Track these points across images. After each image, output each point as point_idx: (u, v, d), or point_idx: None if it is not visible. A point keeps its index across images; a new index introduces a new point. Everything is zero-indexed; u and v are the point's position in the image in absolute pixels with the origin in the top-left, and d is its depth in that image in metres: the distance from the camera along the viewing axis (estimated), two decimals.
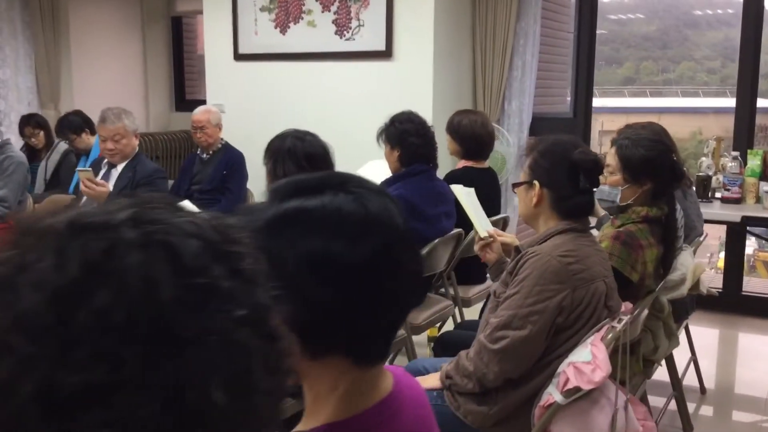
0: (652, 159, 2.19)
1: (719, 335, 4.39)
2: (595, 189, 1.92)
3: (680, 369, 3.24)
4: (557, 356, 1.81)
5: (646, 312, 2.32)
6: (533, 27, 4.77)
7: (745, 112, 4.38)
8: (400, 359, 3.51)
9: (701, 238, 3.03)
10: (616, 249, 2.12)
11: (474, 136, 3.44)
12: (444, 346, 2.44)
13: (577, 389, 1.71)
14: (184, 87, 6.99)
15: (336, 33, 4.72)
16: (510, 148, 4.82)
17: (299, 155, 2.22)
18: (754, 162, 4.08)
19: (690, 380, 3.39)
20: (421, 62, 4.51)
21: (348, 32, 4.68)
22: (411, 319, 3.06)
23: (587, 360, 1.74)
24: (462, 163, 3.53)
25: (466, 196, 2.40)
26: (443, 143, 3.53)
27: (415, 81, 4.54)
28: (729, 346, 4.29)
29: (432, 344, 3.02)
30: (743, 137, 4.36)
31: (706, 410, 3.37)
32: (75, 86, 6.02)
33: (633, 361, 2.33)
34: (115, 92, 6.32)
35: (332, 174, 0.89)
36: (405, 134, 2.97)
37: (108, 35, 6.37)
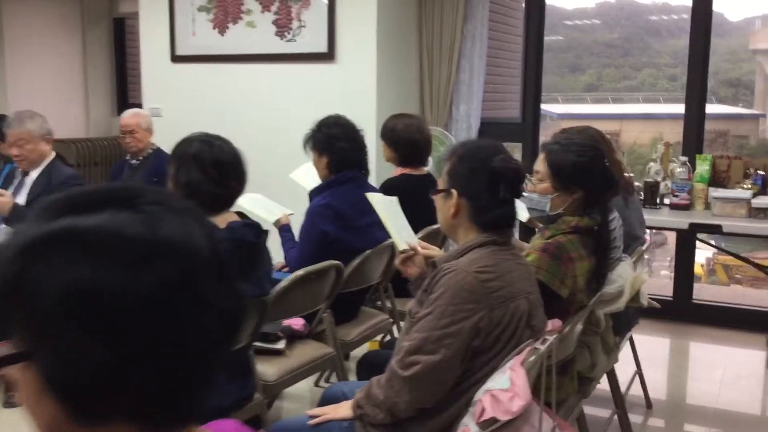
0: (583, 165, 2.05)
1: (670, 345, 4.29)
2: (517, 199, 1.76)
3: (626, 382, 3.12)
4: (474, 383, 1.65)
5: (580, 327, 2.17)
6: (481, 29, 4.64)
7: (694, 117, 4.29)
8: (332, 379, 3.33)
9: (643, 247, 2.90)
10: (544, 262, 1.96)
11: (410, 142, 3.28)
12: (369, 368, 2.26)
13: (494, 420, 1.55)
14: (127, 90, 6.74)
15: (276, 34, 4.54)
16: None
17: (206, 161, 2.03)
18: (703, 167, 3.99)
19: (636, 394, 3.27)
20: (364, 65, 4.34)
21: (289, 33, 4.50)
22: (342, 335, 2.87)
23: (505, 387, 1.58)
24: (399, 171, 3.36)
25: (383, 205, 2.23)
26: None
27: (359, 84, 4.37)
28: (679, 356, 4.19)
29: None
30: (692, 142, 4.27)
31: (654, 424, 3.25)
32: (9, 89, 5.74)
33: (566, 381, 2.18)
34: (53, 96, 6.05)
35: (123, 186, 0.70)
36: (332, 139, 2.80)
37: (45, 36, 6.09)
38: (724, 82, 31.02)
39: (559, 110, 29.28)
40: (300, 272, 2.47)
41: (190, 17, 4.77)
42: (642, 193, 4.05)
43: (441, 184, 1.83)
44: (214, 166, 2.03)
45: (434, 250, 2.07)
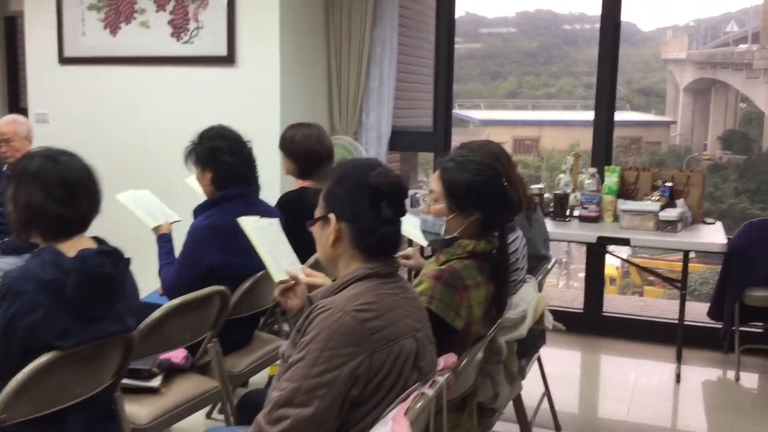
0: (480, 185, 1.89)
1: (581, 359, 4.22)
2: (401, 216, 1.58)
3: (533, 405, 3.00)
4: None
5: (479, 358, 2.01)
6: (390, 35, 4.47)
7: (603, 127, 4.25)
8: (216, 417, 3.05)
9: (549, 265, 2.79)
10: (437, 291, 1.79)
11: (309, 153, 3.07)
12: (249, 409, 2.03)
13: None
14: (19, 93, 6.26)
15: (172, 35, 4.25)
16: None
17: (49, 179, 1.77)
18: (612, 179, 3.94)
19: (545, 416, 3.15)
20: (267, 69, 4.11)
21: (185, 35, 4.22)
22: (230, 366, 2.62)
23: None
24: (298, 183, 3.15)
25: (257, 230, 2.01)
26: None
27: (261, 90, 4.13)
28: (590, 371, 4.13)
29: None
30: (601, 153, 4.23)
31: None
32: None
33: (464, 418, 2.01)
34: None
35: None
36: (216, 152, 2.56)
37: None
38: (638, 90, 32.22)
39: (481, 116, 29.81)
40: (175, 302, 2.23)
41: (80, 16, 4.42)
42: (552, 205, 3.97)
43: (317, 212, 1.63)
44: (60, 185, 1.77)
45: (320, 278, 1.87)
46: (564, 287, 13.64)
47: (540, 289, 2.82)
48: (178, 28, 4.23)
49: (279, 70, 4.09)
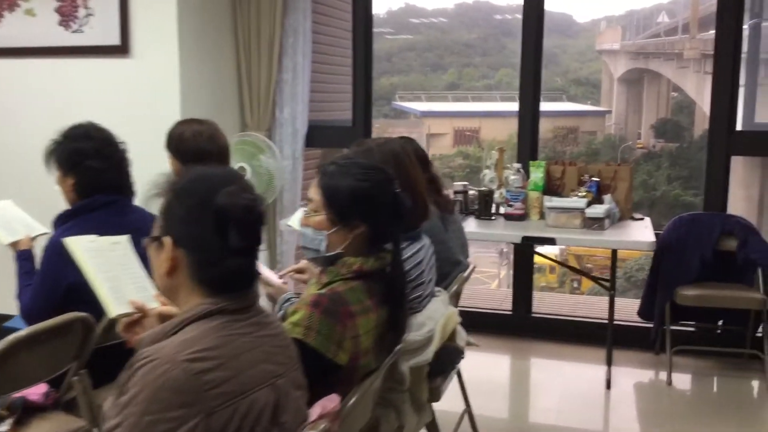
0: (364, 192, 1.61)
1: (509, 364, 4.02)
2: (256, 246, 1.29)
3: (454, 422, 2.76)
4: None
5: (375, 388, 1.74)
6: (303, 24, 4.16)
7: (528, 120, 4.04)
8: None
9: (466, 273, 2.54)
10: (314, 321, 1.51)
11: (199, 153, 2.73)
12: None
13: None
14: None
15: (60, 23, 3.84)
16: (284, 162, 4.20)
17: None
18: (537, 174, 3.73)
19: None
20: (164, 60, 3.75)
21: (75, 23, 3.82)
22: (102, 401, 2.28)
23: None
24: None
25: (91, 251, 1.67)
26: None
27: (159, 83, 3.77)
28: (519, 376, 3.92)
29: None
30: (526, 147, 4.02)
31: None
32: None
33: None
34: None
35: None
36: (80, 155, 2.22)
37: None
38: (574, 80, 32.66)
39: (422, 108, 29.69)
40: (21, 333, 1.88)
41: None
42: (477, 202, 3.74)
43: (155, 230, 1.32)
44: None
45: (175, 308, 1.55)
46: (499, 287, 13.60)
47: (457, 298, 2.59)
48: (67, 15, 3.83)
49: (178, 60, 3.74)
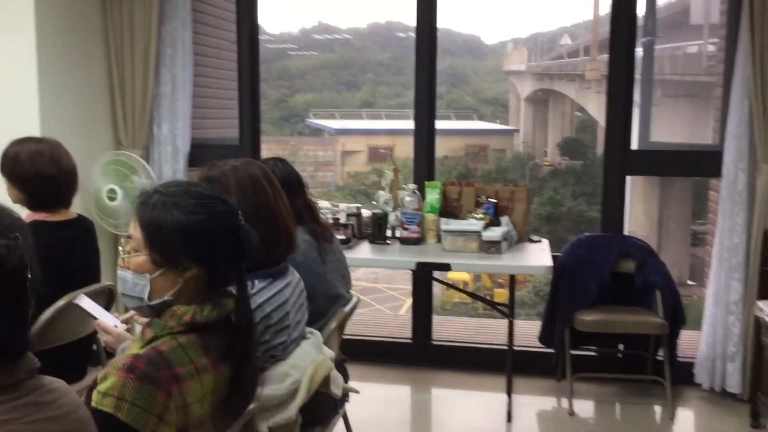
0: (195, 228, 1.33)
1: (409, 397, 3.79)
2: (21, 305, 0.99)
3: None
4: None
5: None
6: (183, 33, 3.84)
7: (423, 138, 3.84)
8: None
9: (347, 308, 2.28)
10: (128, 390, 1.20)
11: (39, 177, 2.38)
12: None
13: None
14: None
15: None
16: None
17: None
18: (433, 196, 3.53)
19: None
20: (20, 69, 3.34)
21: None
22: None
23: None
24: (30, 216, 2.44)
25: None
26: None
27: (14, 94, 3.36)
28: (418, 411, 3.70)
29: None
30: (423, 167, 3.82)
31: None
32: None
33: None
34: None
35: None
36: None
37: None
38: (484, 100, 33.36)
39: (336, 126, 29.54)
40: None
41: None
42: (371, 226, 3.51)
43: None
44: None
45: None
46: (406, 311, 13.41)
47: (339, 335, 2.33)
48: None
49: (36, 70, 3.34)
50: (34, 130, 3.33)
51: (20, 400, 0.97)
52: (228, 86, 4.54)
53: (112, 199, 3.67)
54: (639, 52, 4.15)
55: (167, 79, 3.85)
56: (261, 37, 4.00)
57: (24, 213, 2.47)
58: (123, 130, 3.87)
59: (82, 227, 2.56)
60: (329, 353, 1.95)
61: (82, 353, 2.59)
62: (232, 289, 1.42)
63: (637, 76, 4.02)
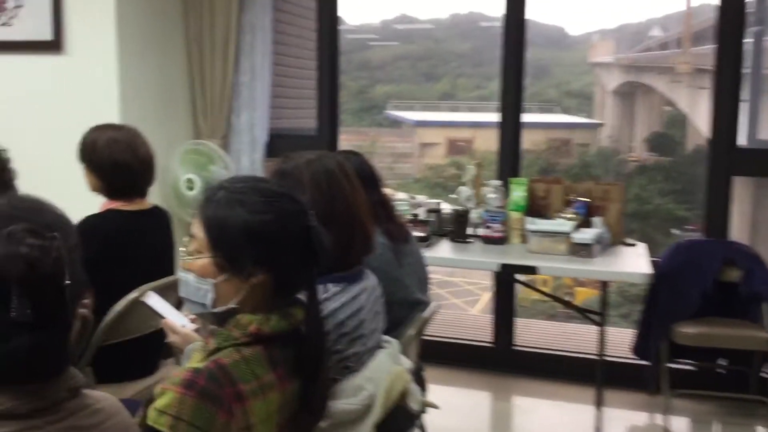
0: (261, 230, 1.19)
1: (489, 405, 3.60)
2: (45, 316, 0.86)
3: None
4: None
5: None
6: (263, 20, 3.75)
7: (509, 133, 3.63)
8: None
9: (426, 313, 2.12)
10: (186, 409, 1.08)
11: (115, 165, 2.32)
12: None
13: None
14: None
15: None
16: (240, 174, 3.77)
17: None
18: (518, 193, 3.32)
19: None
20: (101, 58, 3.33)
21: (3, 15, 3.40)
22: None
23: None
24: (105, 205, 2.39)
25: None
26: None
27: (96, 84, 3.35)
28: (499, 420, 3.50)
29: None
30: (507, 162, 3.61)
31: None
32: None
33: None
34: None
35: None
36: None
37: None
38: (567, 93, 32.50)
39: (415, 117, 29.43)
40: None
41: None
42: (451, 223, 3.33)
43: None
44: None
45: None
46: (482, 310, 13.04)
47: (417, 344, 2.17)
48: None
49: (117, 59, 3.32)
50: (114, 118, 3.31)
51: (59, 424, 0.86)
52: (307, 75, 4.44)
53: (190, 188, 3.63)
54: (748, 43, 3.79)
55: (246, 67, 3.78)
56: (341, 27, 3.88)
57: (101, 201, 2.43)
58: (202, 119, 3.83)
59: (157, 218, 2.49)
60: (407, 364, 1.79)
61: (154, 346, 2.53)
62: (302, 297, 1.27)
63: (746, 69, 3.67)
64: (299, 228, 1.22)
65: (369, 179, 2.04)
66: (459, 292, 14.84)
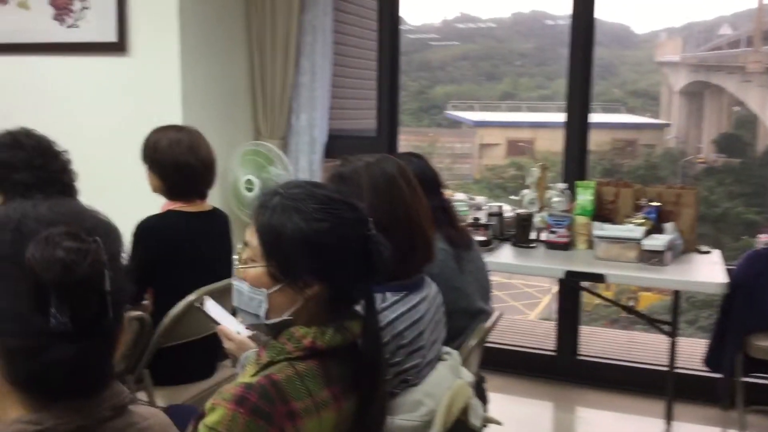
0: (317, 239, 1.13)
1: (551, 418, 3.48)
2: (82, 323, 0.82)
3: None
4: None
5: None
6: (323, 20, 3.72)
7: (575, 134, 3.49)
8: None
9: (489, 323, 2.03)
10: (237, 426, 1.03)
11: (177, 166, 2.31)
12: None
13: None
14: None
15: (55, 18, 3.49)
16: (299, 175, 3.76)
17: None
18: (585, 197, 3.19)
19: None
20: (164, 60, 3.35)
21: (70, 17, 3.45)
22: (169, 398, 2.23)
23: None
24: (166, 206, 2.39)
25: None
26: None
27: (158, 85, 3.38)
28: (563, 429, 3.38)
29: None
30: (573, 165, 3.47)
31: None
32: None
33: None
34: None
35: None
36: (7, 168, 1.81)
37: None
38: (632, 92, 31.68)
39: (474, 118, 29.21)
40: None
41: None
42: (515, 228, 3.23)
43: None
44: None
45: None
46: (540, 317, 12.70)
47: (479, 354, 2.09)
48: (62, 9, 3.47)
49: (179, 60, 3.33)
50: (176, 119, 3.33)
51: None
52: (367, 76, 4.39)
53: (249, 189, 3.62)
54: None
55: (306, 68, 3.75)
56: (402, 27, 3.81)
57: (162, 202, 2.43)
58: (262, 120, 3.82)
59: (217, 220, 2.48)
60: (468, 377, 1.71)
61: (212, 349, 2.52)
62: (360, 308, 1.21)
63: None
64: (357, 237, 1.16)
65: (431, 183, 1.97)
66: (518, 295, 14.57)
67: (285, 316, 1.16)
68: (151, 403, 2.25)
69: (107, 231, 0.85)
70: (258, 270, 1.16)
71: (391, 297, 1.50)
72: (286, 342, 1.14)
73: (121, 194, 2.92)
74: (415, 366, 1.51)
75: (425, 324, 1.55)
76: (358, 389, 1.17)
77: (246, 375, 1.16)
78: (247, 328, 1.62)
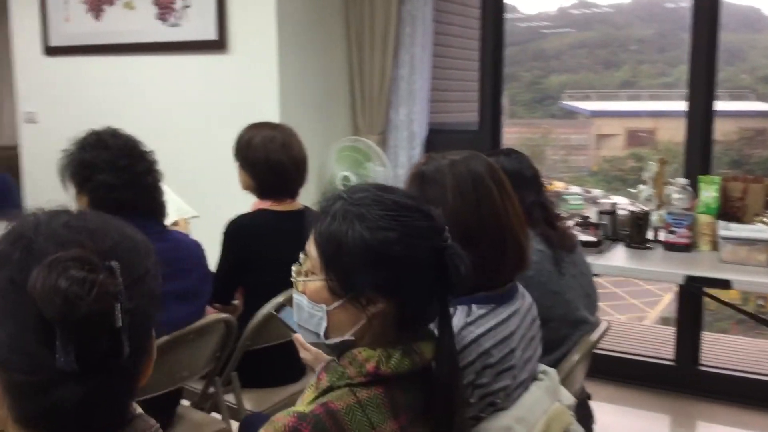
0: (383, 251, 1.00)
1: (670, 428, 3.19)
2: (90, 361, 0.72)
3: None
4: None
5: None
6: (423, 9, 3.58)
7: (698, 125, 3.17)
8: None
9: (594, 336, 1.83)
10: None
11: (269, 164, 2.26)
12: None
13: None
14: None
15: (158, 17, 3.54)
16: (397, 170, 3.65)
17: None
18: (709, 193, 2.88)
19: None
20: (263, 56, 3.33)
21: (172, 16, 3.50)
22: (254, 402, 2.23)
23: None
24: (256, 204, 2.34)
25: None
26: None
27: (257, 82, 3.36)
28: None
29: None
30: (695, 159, 3.16)
31: None
32: None
33: None
34: None
35: None
36: (90, 168, 1.79)
37: None
38: (763, 78, 29.49)
39: (591, 108, 28.14)
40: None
41: None
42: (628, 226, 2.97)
43: None
44: None
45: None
46: (661, 315, 11.91)
47: (583, 370, 1.89)
48: (164, 7, 3.52)
49: (277, 57, 3.30)
50: (273, 116, 3.31)
51: None
52: (471, 67, 4.21)
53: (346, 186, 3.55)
54: None
55: (405, 60, 3.63)
56: (514, 16, 3.62)
57: (252, 200, 2.39)
58: (360, 115, 3.73)
59: (307, 219, 2.40)
60: (568, 400, 1.53)
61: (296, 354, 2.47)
62: (434, 328, 1.07)
63: None
64: (430, 249, 1.01)
65: (529, 180, 1.79)
66: (638, 292, 13.86)
67: (346, 336, 1.03)
68: (239, 405, 2.21)
69: (132, 249, 0.75)
70: (317, 283, 1.05)
71: (477, 310, 1.35)
72: (347, 365, 1.02)
73: (220, 191, 2.92)
74: (504, 388, 1.35)
75: (516, 341, 1.39)
76: (430, 419, 1.03)
77: (304, 401, 1.05)
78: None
